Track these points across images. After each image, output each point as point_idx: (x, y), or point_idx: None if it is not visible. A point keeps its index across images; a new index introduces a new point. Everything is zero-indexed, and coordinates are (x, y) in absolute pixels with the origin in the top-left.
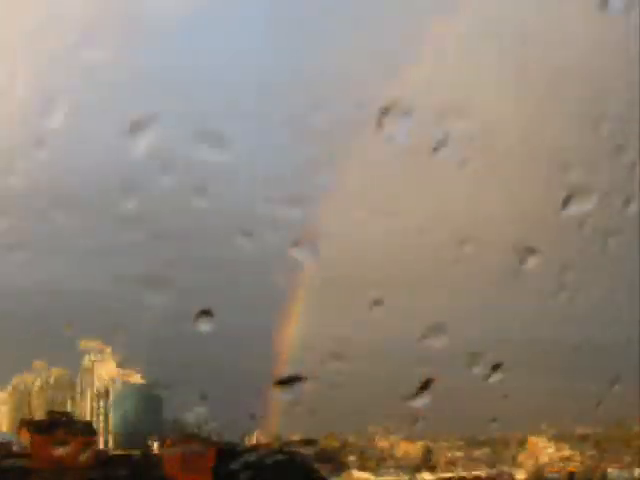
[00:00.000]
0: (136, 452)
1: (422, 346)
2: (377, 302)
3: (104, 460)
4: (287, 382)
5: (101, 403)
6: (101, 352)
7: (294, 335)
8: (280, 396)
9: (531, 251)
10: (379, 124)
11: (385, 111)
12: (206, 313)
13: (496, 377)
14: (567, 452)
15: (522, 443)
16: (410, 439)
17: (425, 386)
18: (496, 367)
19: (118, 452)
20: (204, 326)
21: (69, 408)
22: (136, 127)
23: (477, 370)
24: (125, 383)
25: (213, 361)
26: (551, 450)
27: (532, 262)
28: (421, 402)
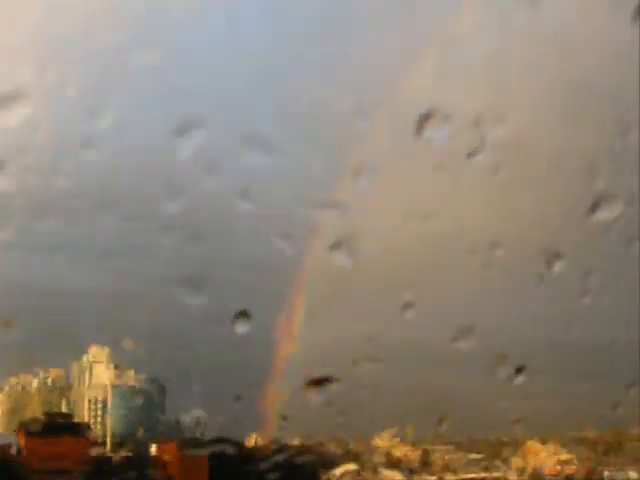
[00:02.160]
0: (135, 452)
1: (452, 348)
2: (408, 305)
3: (103, 460)
4: (319, 383)
5: (99, 404)
6: (100, 352)
7: (326, 335)
8: (312, 396)
9: (558, 256)
10: (418, 129)
11: (424, 117)
12: (243, 314)
13: (519, 379)
14: (565, 455)
15: (519, 446)
16: (409, 442)
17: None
18: (519, 369)
19: (117, 452)
20: (241, 327)
21: (67, 409)
22: (183, 130)
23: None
24: (125, 383)
25: (213, 361)
26: (549, 453)
27: (559, 267)
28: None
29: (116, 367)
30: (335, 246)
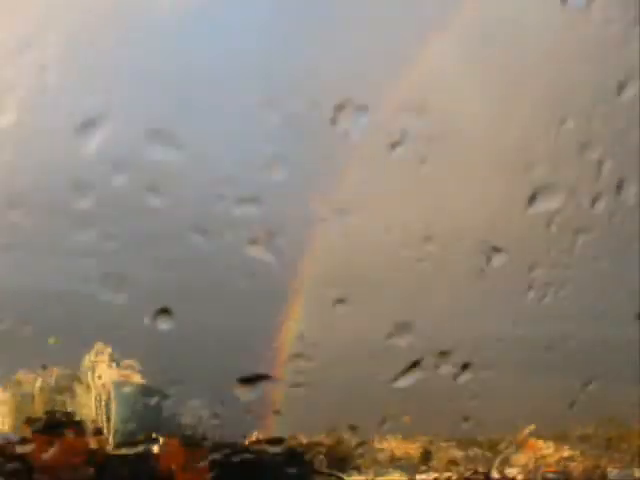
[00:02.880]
0: (136, 452)
1: (388, 345)
2: (340, 301)
3: (104, 460)
4: (251, 381)
5: (102, 402)
6: (101, 352)
7: (253, 334)
8: (243, 395)
9: (497, 250)
10: (333, 121)
11: (339, 107)
12: (165, 311)
13: (466, 376)
14: (567, 452)
15: (522, 443)
16: (409, 439)
17: (413, 366)
18: (465, 366)
19: (118, 452)
20: (163, 324)
21: (69, 408)
22: (86, 126)
23: (447, 369)
24: (125, 383)
25: (213, 361)
26: (551, 450)
27: (498, 261)
28: (405, 383)
29: (118, 366)
30: (254, 241)
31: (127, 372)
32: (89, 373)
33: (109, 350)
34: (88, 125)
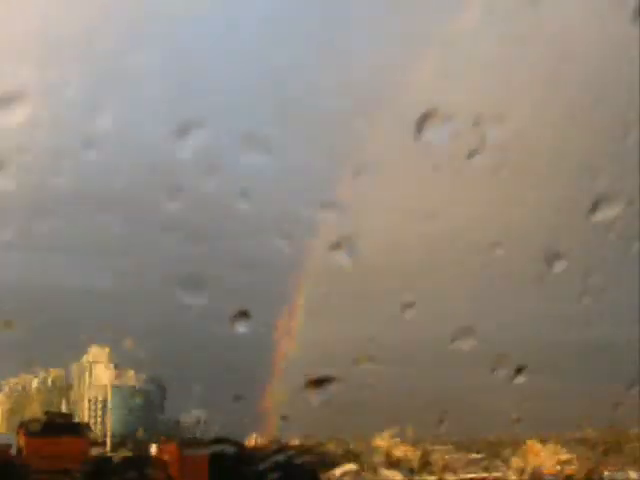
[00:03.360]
0: (135, 452)
1: (451, 348)
2: (408, 305)
3: (103, 460)
4: (319, 383)
5: (99, 404)
6: (100, 352)
7: (327, 335)
8: (312, 397)
9: (558, 255)
10: (419, 129)
11: (424, 117)
12: (243, 314)
13: (520, 379)
14: (565, 455)
15: (519, 446)
16: (409, 442)
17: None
18: (519, 369)
19: (117, 452)
20: (241, 327)
21: (67, 409)
22: (183, 130)
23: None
24: (125, 383)
25: (213, 361)
26: (549, 453)
27: (559, 266)
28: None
29: (116, 367)
30: (335, 246)
31: (127, 372)
32: (86, 374)
33: (107, 351)
34: (185, 129)
